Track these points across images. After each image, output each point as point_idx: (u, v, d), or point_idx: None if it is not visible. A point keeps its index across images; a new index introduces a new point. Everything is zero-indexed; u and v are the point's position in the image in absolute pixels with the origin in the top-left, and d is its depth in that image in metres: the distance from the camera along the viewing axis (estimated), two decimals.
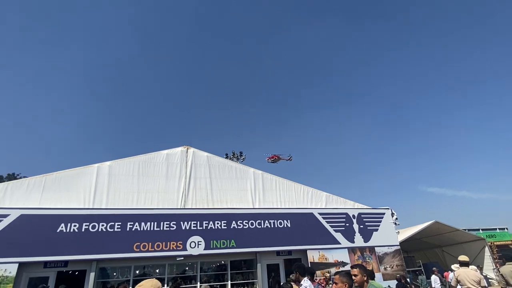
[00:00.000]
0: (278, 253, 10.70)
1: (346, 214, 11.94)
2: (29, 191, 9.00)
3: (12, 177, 29.21)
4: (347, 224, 11.70)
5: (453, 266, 10.69)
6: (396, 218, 12.51)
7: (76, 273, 8.85)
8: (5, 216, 8.13)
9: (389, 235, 12.17)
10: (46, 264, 8.33)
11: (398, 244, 12.22)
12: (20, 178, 25.16)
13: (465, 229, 18.81)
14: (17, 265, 7.80)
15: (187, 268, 10.41)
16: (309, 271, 5.48)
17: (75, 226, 8.61)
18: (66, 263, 8.52)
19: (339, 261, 10.84)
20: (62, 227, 8.49)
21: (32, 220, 8.33)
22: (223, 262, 10.50)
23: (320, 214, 11.54)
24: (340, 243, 11.20)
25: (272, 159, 47.13)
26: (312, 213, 11.47)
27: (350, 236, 11.49)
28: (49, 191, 9.16)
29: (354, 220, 11.89)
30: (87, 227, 8.70)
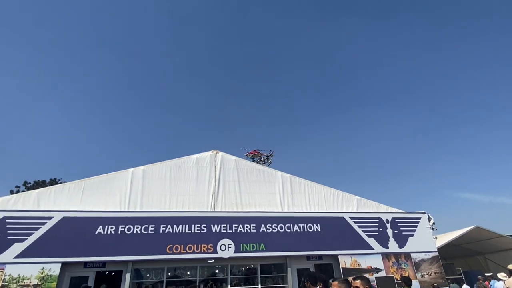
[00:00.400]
0: (308, 257, 10.52)
1: (379, 218, 11.50)
2: (69, 194, 9.49)
3: (54, 182, 31.08)
4: (381, 229, 11.26)
5: (499, 275, 9.98)
6: (434, 223, 11.85)
7: (113, 273, 9.21)
8: (49, 218, 8.66)
9: (426, 241, 11.54)
10: (85, 264, 8.73)
11: (436, 250, 11.56)
12: (61, 183, 26.79)
13: (511, 235, 17.48)
14: (60, 264, 8.23)
15: (217, 271, 10.51)
16: (321, 280, 5.26)
17: (112, 228, 8.99)
18: (104, 263, 8.89)
19: (372, 267, 10.45)
20: (100, 229, 8.89)
21: (73, 222, 8.79)
22: (252, 265, 10.49)
23: (352, 218, 11.21)
24: (373, 249, 10.79)
25: (251, 155, 46.67)
26: (343, 217, 11.17)
27: (383, 242, 11.04)
28: (88, 195, 9.62)
29: (388, 225, 11.42)
30: (123, 229, 9.05)
